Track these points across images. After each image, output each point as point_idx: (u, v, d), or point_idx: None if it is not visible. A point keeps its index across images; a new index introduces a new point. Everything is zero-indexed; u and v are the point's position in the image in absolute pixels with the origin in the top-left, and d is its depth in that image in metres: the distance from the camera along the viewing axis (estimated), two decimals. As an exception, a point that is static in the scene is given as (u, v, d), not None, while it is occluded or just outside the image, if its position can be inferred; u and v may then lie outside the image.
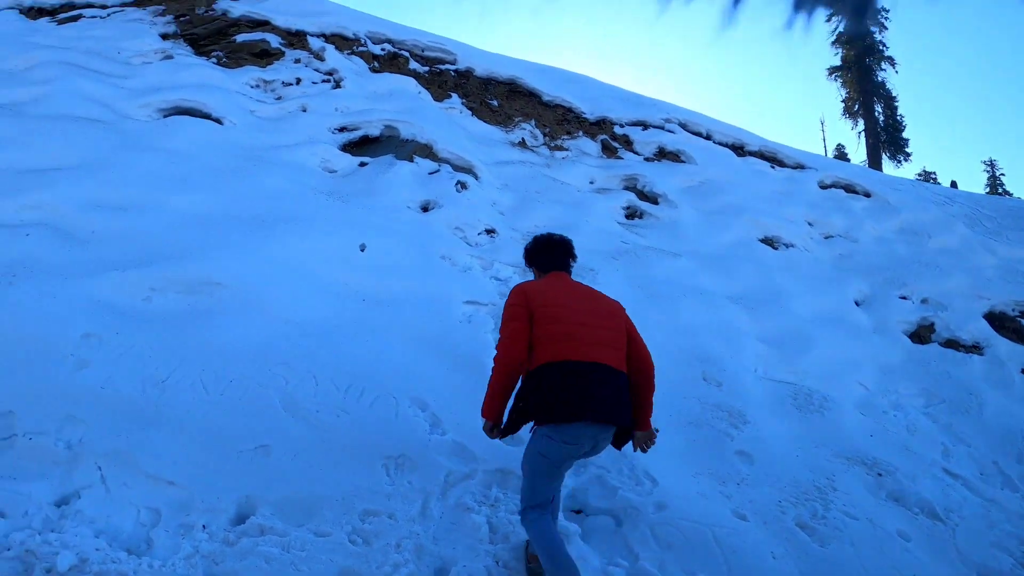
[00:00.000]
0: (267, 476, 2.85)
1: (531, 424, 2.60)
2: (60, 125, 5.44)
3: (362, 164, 6.73)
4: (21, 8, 8.36)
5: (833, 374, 5.20)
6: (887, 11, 27.68)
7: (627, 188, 8.79)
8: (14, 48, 6.81)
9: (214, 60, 7.99)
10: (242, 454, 2.92)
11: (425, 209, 6.10)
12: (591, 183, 8.77)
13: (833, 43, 28.26)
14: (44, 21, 8.27)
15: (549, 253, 2.97)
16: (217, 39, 8.37)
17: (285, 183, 5.54)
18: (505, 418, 2.68)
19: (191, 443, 2.88)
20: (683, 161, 9.85)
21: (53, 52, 6.76)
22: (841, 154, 32.26)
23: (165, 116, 6.33)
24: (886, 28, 27.77)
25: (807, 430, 4.35)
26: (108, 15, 8.63)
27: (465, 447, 3.33)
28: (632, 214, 8.08)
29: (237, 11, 8.67)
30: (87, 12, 8.62)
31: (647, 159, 9.95)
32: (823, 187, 10.19)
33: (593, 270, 5.56)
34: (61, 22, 8.30)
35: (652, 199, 8.43)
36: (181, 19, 8.59)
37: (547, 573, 2.43)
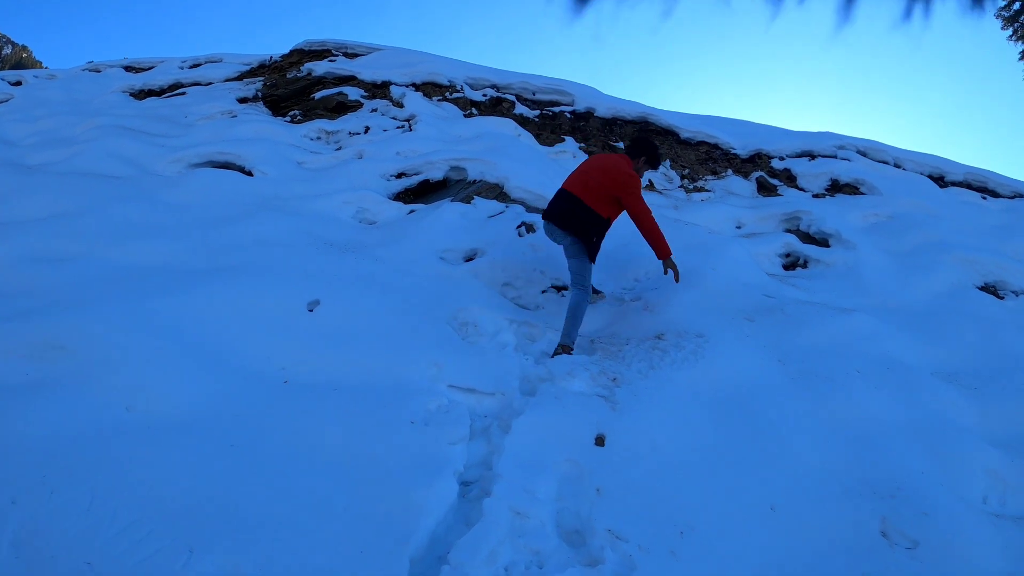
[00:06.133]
0: None
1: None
2: (60, 181, 4.76)
3: (412, 212, 5.34)
4: (131, 91, 8.55)
5: None
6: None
7: (788, 230, 6.45)
8: (86, 118, 6.62)
9: (288, 119, 7.34)
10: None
11: (469, 259, 4.45)
12: (738, 227, 6.58)
13: (1010, 38, 22.48)
14: (151, 100, 8.33)
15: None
16: (298, 98, 7.79)
17: (280, 233, 4.26)
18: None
19: None
20: (863, 193, 7.21)
21: (114, 118, 6.43)
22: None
23: (193, 169, 5.54)
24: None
25: None
26: (209, 89, 8.54)
27: None
28: (793, 263, 5.73)
29: (320, 69, 8.09)
30: (192, 90, 8.62)
31: (816, 195, 7.45)
32: (1058, 214, 7.02)
33: (702, 336, 3.40)
34: (166, 99, 8.31)
35: (821, 242, 5.99)
36: (268, 84, 8.20)
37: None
